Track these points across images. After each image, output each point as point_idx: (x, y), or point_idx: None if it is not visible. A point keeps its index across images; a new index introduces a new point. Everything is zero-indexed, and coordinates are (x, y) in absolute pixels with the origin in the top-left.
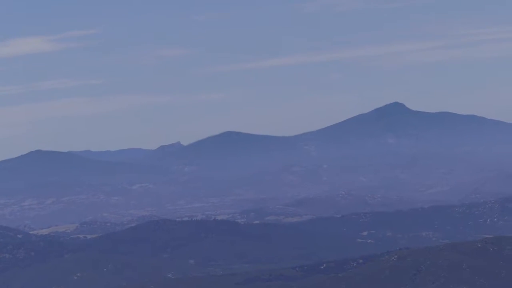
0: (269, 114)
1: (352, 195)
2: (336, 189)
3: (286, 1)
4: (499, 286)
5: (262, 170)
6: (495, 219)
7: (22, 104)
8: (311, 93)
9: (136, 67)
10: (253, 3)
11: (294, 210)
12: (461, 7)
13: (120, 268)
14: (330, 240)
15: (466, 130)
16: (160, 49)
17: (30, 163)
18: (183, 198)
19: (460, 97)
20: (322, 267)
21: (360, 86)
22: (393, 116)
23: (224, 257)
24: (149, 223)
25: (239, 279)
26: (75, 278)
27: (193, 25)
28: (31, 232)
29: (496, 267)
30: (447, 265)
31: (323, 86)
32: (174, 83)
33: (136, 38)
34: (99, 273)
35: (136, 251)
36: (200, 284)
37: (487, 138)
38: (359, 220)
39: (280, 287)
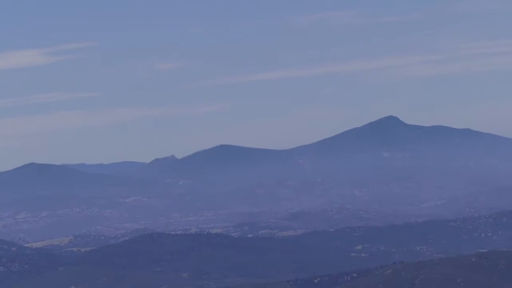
0: (263, 127)
1: (346, 209)
2: (330, 203)
3: (280, 15)
4: None
5: (256, 184)
6: (490, 234)
7: (16, 116)
8: (305, 106)
9: (130, 80)
10: (247, 17)
11: (288, 223)
12: (455, 22)
13: (114, 281)
14: (324, 254)
15: (461, 144)
16: (154, 62)
17: (24, 176)
18: (177, 211)
19: (455, 111)
20: (316, 281)
21: (354, 99)
22: (387, 129)
23: (217, 270)
24: (143, 236)
25: None
26: None
27: (187, 38)
28: (25, 245)
29: (491, 281)
30: (442, 279)
31: (317, 99)
32: (168, 96)
33: (131, 51)
34: (93, 286)
35: (130, 264)
36: None
37: (482, 152)
38: (353, 234)
39: None
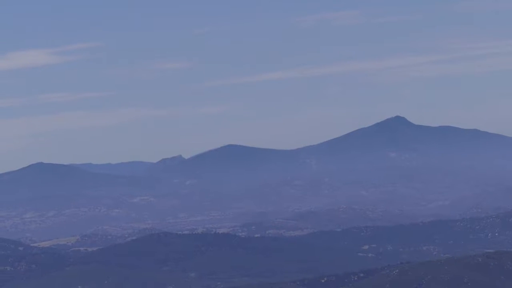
0: (270, 127)
1: (353, 208)
2: (337, 203)
3: (286, 15)
4: None
5: (263, 184)
6: (496, 234)
7: (23, 116)
8: (312, 106)
9: (138, 80)
10: (253, 17)
11: (295, 223)
12: (462, 21)
13: (121, 281)
14: (331, 254)
15: (467, 144)
16: (162, 62)
17: (31, 176)
18: (184, 211)
19: (462, 111)
20: (323, 281)
21: (361, 100)
22: (394, 130)
23: (224, 270)
24: (150, 236)
25: None
26: None
27: (194, 38)
28: (32, 245)
29: (497, 281)
30: (448, 280)
31: (324, 99)
32: (176, 96)
33: (137, 51)
34: (100, 286)
35: (137, 264)
36: None
37: (489, 153)
38: (360, 234)
39: None
